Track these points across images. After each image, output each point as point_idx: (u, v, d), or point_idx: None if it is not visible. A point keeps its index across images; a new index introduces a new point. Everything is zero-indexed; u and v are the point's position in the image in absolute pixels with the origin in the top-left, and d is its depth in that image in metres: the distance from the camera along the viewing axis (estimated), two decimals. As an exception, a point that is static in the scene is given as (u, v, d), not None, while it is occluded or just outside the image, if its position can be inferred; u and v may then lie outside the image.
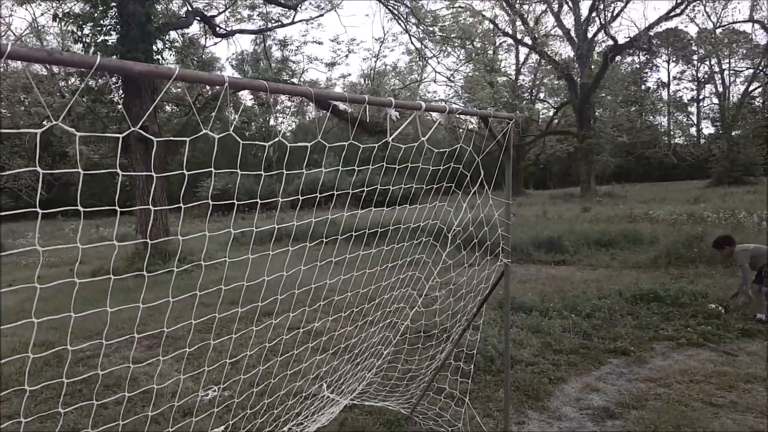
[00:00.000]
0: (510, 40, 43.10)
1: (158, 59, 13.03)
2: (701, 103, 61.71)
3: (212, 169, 2.81)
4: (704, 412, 4.68)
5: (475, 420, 4.66)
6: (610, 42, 34.82)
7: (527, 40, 39.17)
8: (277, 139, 3.45)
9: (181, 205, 2.95)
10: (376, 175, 4.47)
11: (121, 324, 7.69)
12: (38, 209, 2.16)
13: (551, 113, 51.21)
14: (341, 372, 4.95)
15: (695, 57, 57.33)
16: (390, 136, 3.35)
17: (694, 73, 61.01)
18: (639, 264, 11.54)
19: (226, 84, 2.27)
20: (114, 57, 11.50)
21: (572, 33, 37.80)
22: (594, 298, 8.35)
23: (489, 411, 4.97)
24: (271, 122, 47.86)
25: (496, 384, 5.50)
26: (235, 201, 3.01)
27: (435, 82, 24.86)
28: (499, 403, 5.03)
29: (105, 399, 5.24)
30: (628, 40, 34.20)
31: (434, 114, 3.67)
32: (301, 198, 3.52)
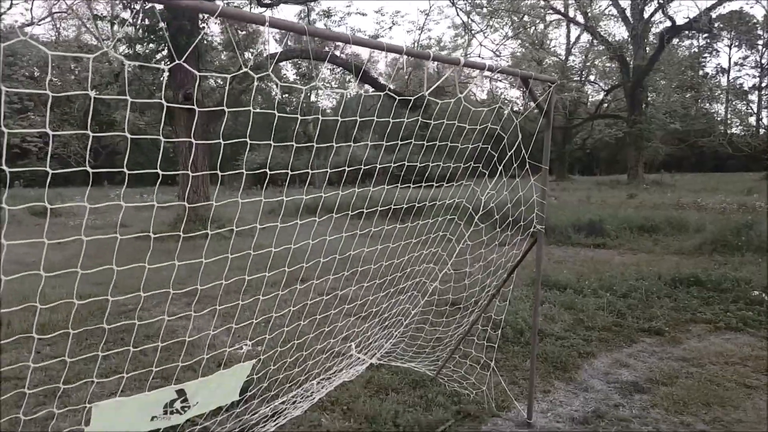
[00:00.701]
0: (561, 18, 41.82)
1: (203, 27, 13.24)
2: (763, 92, 58.60)
3: (248, 139, 2.88)
4: (737, 392, 4.56)
5: (500, 386, 4.67)
6: (668, 23, 33.33)
7: (579, 18, 37.93)
8: (314, 118, 3.49)
9: (218, 172, 3.03)
10: (415, 154, 4.46)
11: (160, 282, 7.98)
12: (88, 168, 2.27)
13: (601, 96, 49.59)
14: (370, 333, 5.03)
15: (760, 42, 54.27)
16: (427, 90, 3.34)
17: (758, 59, 57.82)
18: (682, 250, 11.19)
19: (267, 23, 2.32)
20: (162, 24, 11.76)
21: (627, 12, 36.32)
22: (631, 279, 8.17)
23: (515, 379, 4.98)
24: (312, 98, 48.11)
25: (524, 355, 5.49)
26: (267, 171, 3.10)
27: (480, 56, 24.32)
28: (526, 372, 5.03)
29: (144, 346, 5.48)
30: (687, 21, 32.63)
31: (476, 93, 3.62)
32: (329, 170, 3.56)
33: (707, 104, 56.84)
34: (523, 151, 4.09)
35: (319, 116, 3.31)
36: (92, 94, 2.34)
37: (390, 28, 55.32)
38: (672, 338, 5.94)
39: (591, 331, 6.13)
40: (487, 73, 3.47)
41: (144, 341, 5.82)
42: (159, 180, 2.85)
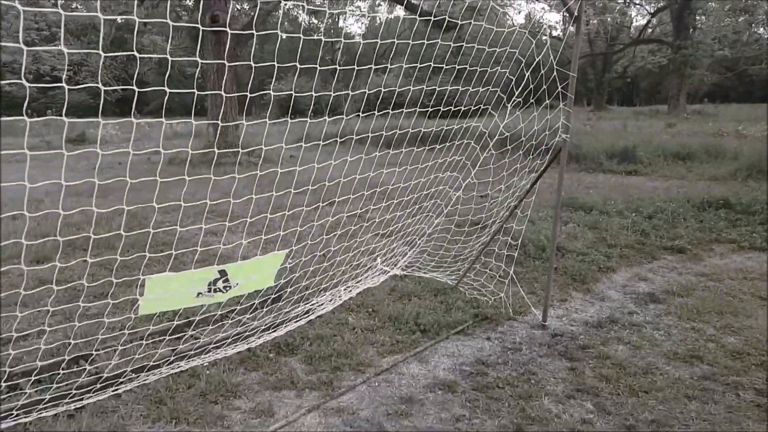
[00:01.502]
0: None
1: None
2: (824, 15, 54.34)
3: (275, 63, 2.99)
4: (751, 303, 4.68)
5: (519, 294, 4.88)
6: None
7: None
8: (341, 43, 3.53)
9: (247, 94, 3.15)
10: (445, 83, 4.44)
11: (194, 202, 8.33)
12: (134, 87, 2.42)
13: (645, 20, 46.91)
14: (394, 246, 5.25)
15: (825, -41, 49.83)
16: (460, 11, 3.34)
17: (821, -22, 53.29)
18: (716, 177, 10.99)
19: None
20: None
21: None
22: (660, 201, 8.15)
23: (533, 289, 5.18)
24: (340, 23, 46.87)
25: (544, 269, 5.66)
26: (293, 93, 3.22)
27: None
28: (545, 284, 5.22)
29: (182, 250, 5.85)
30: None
31: (512, 16, 3.57)
32: (351, 93, 3.64)
33: (762, 29, 53.22)
34: (555, 73, 4.05)
35: (342, 39, 3.37)
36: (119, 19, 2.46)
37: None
38: (694, 256, 6.02)
39: (613, 248, 6.24)
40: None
41: (183, 255, 6.20)
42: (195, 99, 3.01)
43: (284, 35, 2.86)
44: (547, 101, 4.18)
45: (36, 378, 3.25)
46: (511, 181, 4.66)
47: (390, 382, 3.56)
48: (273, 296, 4.57)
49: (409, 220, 5.01)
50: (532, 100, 4.26)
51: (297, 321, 4.18)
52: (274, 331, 4.02)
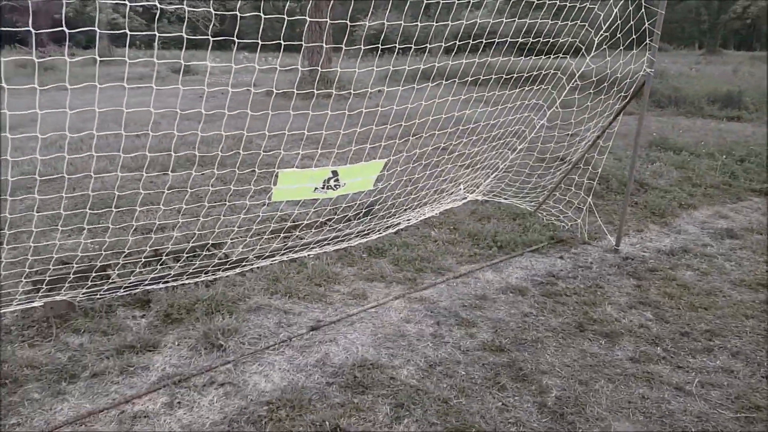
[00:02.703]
0: None
1: None
2: None
3: None
4: (834, 243, 4.69)
5: (596, 223, 5.15)
6: None
7: None
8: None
9: (347, 22, 3.54)
10: (539, 21, 4.52)
11: (291, 132, 9.02)
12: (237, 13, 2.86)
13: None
14: (477, 176, 5.63)
15: None
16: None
17: None
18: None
19: None
20: None
21: None
22: (755, 146, 7.88)
23: (611, 219, 5.41)
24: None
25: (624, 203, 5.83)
26: (385, 22, 3.57)
27: None
28: (625, 217, 5.42)
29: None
30: None
31: None
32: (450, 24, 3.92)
33: None
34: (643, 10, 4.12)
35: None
36: None
37: None
38: (783, 199, 5.95)
39: (697, 187, 6.28)
40: None
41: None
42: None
43: None
44: (634, 36, 4.27)
45: (176, 256, 4.02)
46: (594, 112, 4.84)
47: (467, 284, 4.04)
48: (365, 210, 5.14)
49: (492, 152, 5.36)
50: (619, 35, 4.37)
51: (386, 231, 4.74)
52: (366, 237, 4.61)
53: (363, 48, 4.25)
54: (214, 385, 2.84)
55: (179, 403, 2.70)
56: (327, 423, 2.53)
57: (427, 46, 4.02)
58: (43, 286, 3.53)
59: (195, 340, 3.19)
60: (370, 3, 4.55)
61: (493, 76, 4.80)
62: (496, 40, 4.52)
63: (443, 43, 4.24)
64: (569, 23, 4.45)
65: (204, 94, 3.99)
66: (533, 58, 5.26)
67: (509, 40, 4.54)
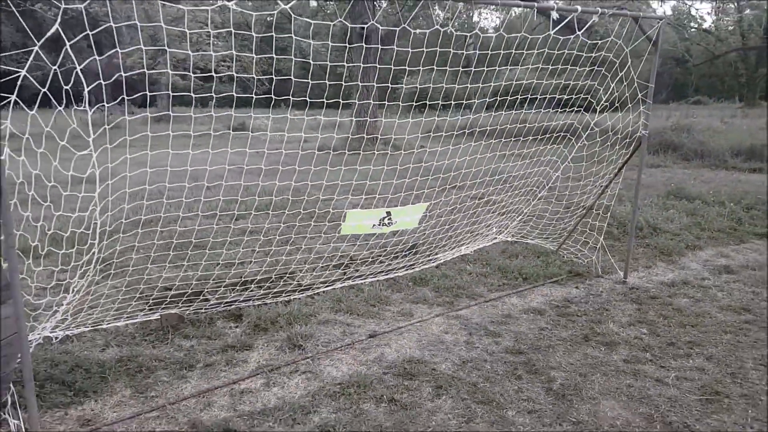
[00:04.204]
0: None
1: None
2: None
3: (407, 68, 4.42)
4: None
5: (609, 261, 5.95)
6: None
7: None
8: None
9: (389, 85, 4.61)
10: (577, 78, 5.38)
11: (347, 188, 10.18)
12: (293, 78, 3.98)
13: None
14: (508, 221, 6.57)
15: None
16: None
17: None
18: None
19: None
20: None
21: None
22: (764, 194, 8.55)
23: (624, 257, 6.18)
24: (474, 18, 47.67)
25: (638, 244, 6.63)
26: (430, 85, 4.61)
27: None
28: (635, 254, 6.22)
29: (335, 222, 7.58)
30: None
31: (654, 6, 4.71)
32: (476, 98, 4.99)
33: None
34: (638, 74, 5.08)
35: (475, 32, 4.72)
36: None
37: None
38: (783, 242, 6.62)
39: (705, 231, 7.02)
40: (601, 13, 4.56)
41: (338, 218, 7.94)
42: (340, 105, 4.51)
43: (417, 32, 4.22)
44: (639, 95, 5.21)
45: (259, 284, 5.05)
46: (600, 166, 5.75)
47: (495, 306, 4.91)
48: (410, 247, 6.11)
49: (517, 199, 6.30)
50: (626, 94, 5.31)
51: (428, 264, 5.69)
52: (411, 269, 5.56)
53: (401, 104, 5.29)
54: (298, 372, 3.77)
55: (274, 383, 3.63)
56: (384, 396, 3.42)
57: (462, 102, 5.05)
58: (152, 305, 4.59)
59: (280, 342, 4.16)
60: (418, 63, 5.30)
61: (518, 129, 5.81)
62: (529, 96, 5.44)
63: (471, 99, 5.28)
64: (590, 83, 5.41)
65: (261, 151, 5.09)
66: (558, 110, 6.18)
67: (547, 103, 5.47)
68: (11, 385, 3.01)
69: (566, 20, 4.14)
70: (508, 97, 5.31)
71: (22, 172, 3.11)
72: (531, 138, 5.88)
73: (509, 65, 5.08)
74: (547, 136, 5.76)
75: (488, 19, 48.94)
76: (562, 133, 5.72)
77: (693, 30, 42.68)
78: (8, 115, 2.69)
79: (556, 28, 4.07)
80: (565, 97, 5.55)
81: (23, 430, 2.99)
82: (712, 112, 27.73)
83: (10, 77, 2.83)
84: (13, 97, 2.60)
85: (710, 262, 6.04)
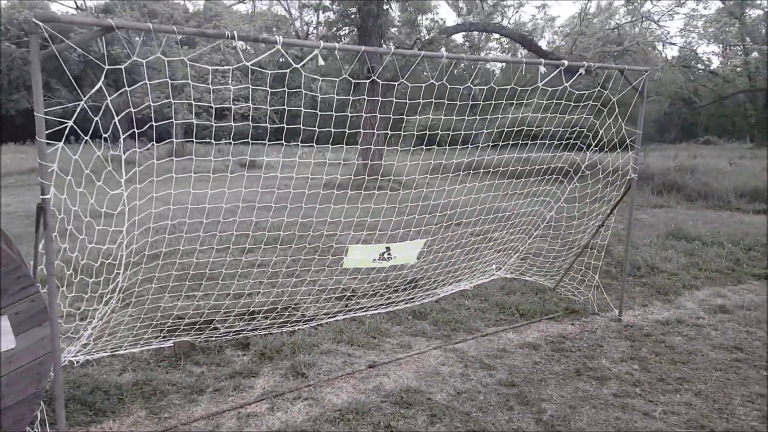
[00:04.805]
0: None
1: (387, 9, 15.43)
2: None
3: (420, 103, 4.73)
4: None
5: (605, 300, 6.11)
6: None
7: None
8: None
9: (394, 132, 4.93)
10: (585, 117, 5.65)
11: (350, 224, 10.48)
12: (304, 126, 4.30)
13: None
14: (506, 258, 6.77)
15: None
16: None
17: None
18: None
19: (279, 45, 4.11)
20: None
21: None
22: (763, 236, 8.68)
23: (620, 296, 6.35)
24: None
25: (635, 283, 6.78)
26: (439, 131, 4.92)
27: (656, 23, 22.85)
28: (632, 293, 6.38)
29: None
30: None
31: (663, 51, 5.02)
32: (477, 131, 5.30)
33: None
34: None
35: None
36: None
37: (558, -1, 54.07)
38: (779, 283, 6.74)
39: (702, 271, 7.16)
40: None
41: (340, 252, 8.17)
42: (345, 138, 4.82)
43: (426, 73, 4.56)
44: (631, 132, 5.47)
45: (266, 315, 5.26)
46: (593, 207, 5.98)
47: (491, 341, 5.07)
48: (409, 282, 6.31)
49: (513, 236, 6.53)
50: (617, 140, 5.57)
51: (427, 298, 5.88)
52: (411, 303, 5.75)
53: (400, 146, 5.59)
54: (301, 398, 3.95)
55: (278, 408, 3.82)
56: (381, 423, 3.59)
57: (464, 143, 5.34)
58: (166, 333, 4.81)
59: (285, 370, 4.35)
60: (417, 102, 5.51)
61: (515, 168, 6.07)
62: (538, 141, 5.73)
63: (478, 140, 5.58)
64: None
65: (271, 186, 5.38)
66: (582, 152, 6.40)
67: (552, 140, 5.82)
68: (41, 402, 3.24)
69: (552, 75, 4.44)
70: (513, 132, 5.63)
71: (63, 208, 3.41)
72: (530, 178, 6.13)
73: (514, 100, 5.35)
74: (546, 177, 6.02)
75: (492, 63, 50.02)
76: (554, 176, 5.98)
77: (700, 71, 43.31)
78: (56, 158, 2.99)
79: (544, 81, 4.36)
80: (567, 134, 5.81)
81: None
82: (721, 152, 27.97)
83: (58, 128, 3.12)
84: (61, 144, 2.89)
85: (706, 301, 6.18)
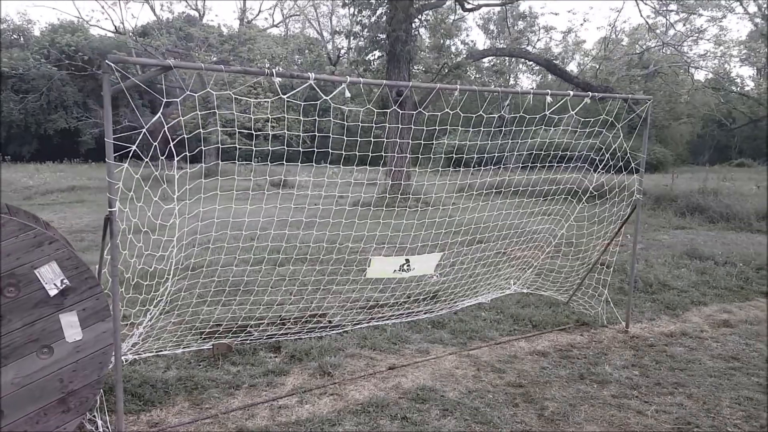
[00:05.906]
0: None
1: (416, 35, 16.10)
2: None
3: (448, 127, 5.24)
4: (810, 332, 5.74)
5: (615, 313, 6.46)
6: None
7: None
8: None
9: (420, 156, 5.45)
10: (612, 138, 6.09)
11: (374, 238, 11.02)
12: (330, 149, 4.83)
13: None
14: (522, 274, 7.18)
15: None
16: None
17: None
18: None
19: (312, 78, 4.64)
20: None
21: None
22: (777, 256, 8.89)
23: (630, 311, 6.68)
24: (511, 80, 49.38)
25: (645, 299, 7.10)
26: (464, 150, 5.42)
27: (677, 48, 23.11)
28: (642, 308, 6.70)
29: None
30: None
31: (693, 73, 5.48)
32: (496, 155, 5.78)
33: None
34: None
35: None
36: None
37: (581, 24, 54.84)
38: (787, 301, 6.98)
39: (712, 289, 7.43)
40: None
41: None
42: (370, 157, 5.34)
43: (457, 92, 5.04)
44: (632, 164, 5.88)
45: (295, 322, 5.78)
46: (602, 225, 6.37)
47: (504, 348, 5.48)
48: (431, 295, 6.77)
49: (527, 253, 6.94)
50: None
51: (446, 310, 6.33)
52: (430, 313, 6.20)
53: (439, 165, 6.10)
54: (327, 394, 4.43)
55: (306, 402, 4.30)
56: (398, 415, 4.04)
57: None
58: (205, 336, 5.36)
59: (313, 370, 4.84)
60: (446, 126, 5.99)
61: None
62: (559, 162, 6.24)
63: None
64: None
65: (302, 204, 5.92)
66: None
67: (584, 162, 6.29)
68: (101, 389, 3.79)
69: (559, 103, 4.91)
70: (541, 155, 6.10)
71: (125, 222, 4.01)
72: (554, 196, 6.59)
73: (543, 124, 5.79)
74: (565, 197, 6.45)
75: (522, 81, 50.47)
76: (563, 196, 6.40)
77: (733, 93, 43.03)
78: (121, 176, 3.58)
79: (551, 109, 4.82)
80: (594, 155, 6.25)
81: (109, 429, 3.75)
82: (753, 175, 27.69)
83: (122, 152, 3.72)
84: (125, 165, 3.48)
85: (712, 317, 6.47)
